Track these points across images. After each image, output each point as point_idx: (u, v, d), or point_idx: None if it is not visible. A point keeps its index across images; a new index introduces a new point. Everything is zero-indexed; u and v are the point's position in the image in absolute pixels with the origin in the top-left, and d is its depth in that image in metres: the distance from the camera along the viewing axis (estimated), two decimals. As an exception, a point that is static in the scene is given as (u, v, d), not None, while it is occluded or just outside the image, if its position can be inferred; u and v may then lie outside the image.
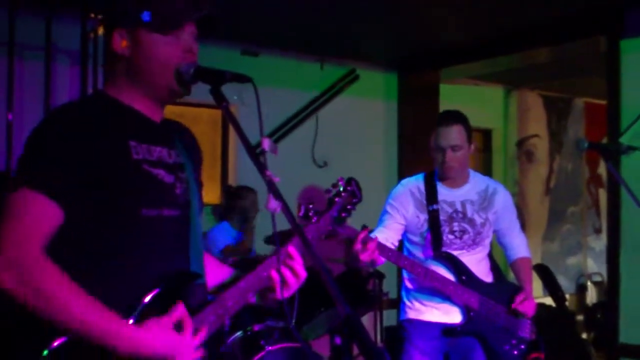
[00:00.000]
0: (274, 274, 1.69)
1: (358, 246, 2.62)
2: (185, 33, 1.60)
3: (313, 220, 1.91)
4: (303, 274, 1.70)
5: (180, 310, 1.52)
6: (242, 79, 1.53)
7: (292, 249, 1.71)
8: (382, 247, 2.72)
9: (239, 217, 4.56)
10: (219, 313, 1.64)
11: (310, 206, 2.64)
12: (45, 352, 1.41)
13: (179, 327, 1.51)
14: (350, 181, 2.03)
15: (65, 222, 1.45)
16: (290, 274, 1.70)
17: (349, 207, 1.99)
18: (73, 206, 1.45)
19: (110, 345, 1.41)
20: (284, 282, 1.68)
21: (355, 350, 4.00)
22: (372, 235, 3.01)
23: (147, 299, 1.51)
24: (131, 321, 1.48)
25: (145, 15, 1.56)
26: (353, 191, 2.02)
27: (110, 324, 1.42)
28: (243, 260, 4.08)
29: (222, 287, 1.78)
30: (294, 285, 1.70)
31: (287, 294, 1.70)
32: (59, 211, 1.44)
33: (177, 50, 1.59)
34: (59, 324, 1.40)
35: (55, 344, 1.41)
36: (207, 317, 1.61)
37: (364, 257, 2.62)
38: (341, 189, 2.01)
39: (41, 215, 1.42)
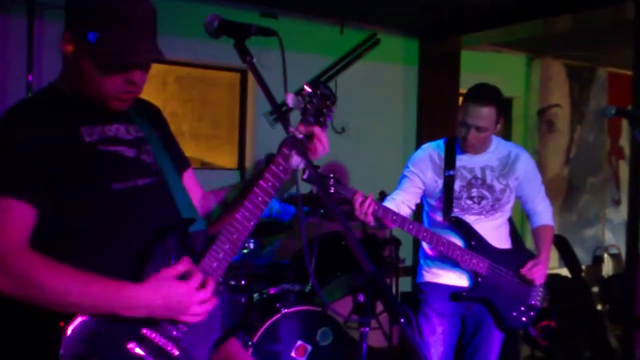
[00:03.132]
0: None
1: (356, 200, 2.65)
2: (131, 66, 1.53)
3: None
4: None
5: (185, 264, 1.51)
6: (267, 32, 1.52)
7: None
8: (385, 210, 2.72)
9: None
10: (226, 248, 1.62)
11: (331, 175, 2.64)
12: (69, 331, 1.41)
13: (184, 278, 1.50)
14: (317, 85, 1.86)
15: (44, 218, 1.47)
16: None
17: (324, 110, 1.83)
18: (45, 202, 1.46)
19: (114, 310, 1.41)
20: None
21: (379, 308, 4.01)
22: (390, 197, 3.02)
23: (149, 258, 1.52)
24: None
25: (91, 36, 1.46)
26: (325, 94, 1.85)
27: (108, 289, 1.42)
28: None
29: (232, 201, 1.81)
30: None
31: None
32: (32, 210, 1.45)
33: (117, 80, 1.53)
34: (61, 307, 1.40)
35: (79, 319, 1.43)
36: (213, 258, 1.60)
37: (357, 213, 2.64)
38: (309, 97, 1.83)
39: (15, 217, 1.43)
